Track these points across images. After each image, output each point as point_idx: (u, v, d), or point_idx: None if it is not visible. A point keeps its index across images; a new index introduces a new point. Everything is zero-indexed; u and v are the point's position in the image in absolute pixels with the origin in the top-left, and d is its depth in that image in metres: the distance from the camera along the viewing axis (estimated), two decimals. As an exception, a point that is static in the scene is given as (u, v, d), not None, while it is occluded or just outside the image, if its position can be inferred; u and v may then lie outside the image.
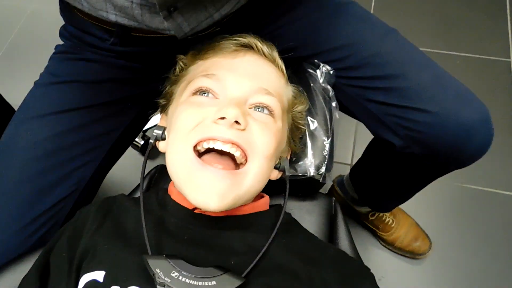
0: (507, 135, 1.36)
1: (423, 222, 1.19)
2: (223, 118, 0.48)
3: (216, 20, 0.59)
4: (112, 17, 0.56)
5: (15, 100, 0.78)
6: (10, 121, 0.65)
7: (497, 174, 1.29)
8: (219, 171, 0.48)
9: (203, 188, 0.47)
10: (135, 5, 0.54)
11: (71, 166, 0.63)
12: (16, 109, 0.68)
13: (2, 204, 0.60)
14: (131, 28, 0.60)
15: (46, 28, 1.18)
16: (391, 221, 1.16)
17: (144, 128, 1.28)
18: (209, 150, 0.51)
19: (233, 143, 0.49)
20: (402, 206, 1.18)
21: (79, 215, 0.55)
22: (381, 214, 1.16)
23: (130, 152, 1.34)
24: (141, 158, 1.34)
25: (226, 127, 0.48)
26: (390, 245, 1.17)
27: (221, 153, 0.50)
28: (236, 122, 0.48)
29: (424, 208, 1.23)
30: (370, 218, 1.17)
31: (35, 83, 0.69)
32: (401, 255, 1.17)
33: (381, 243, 1.19)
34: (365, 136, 0.92)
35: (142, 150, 1.34)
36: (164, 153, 0.56)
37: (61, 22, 0.72)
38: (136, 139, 1.33)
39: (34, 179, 0.61)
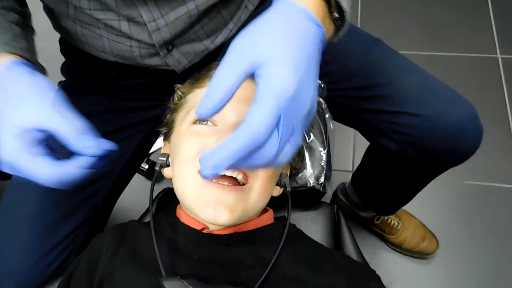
0: (503, 129, 1.39)
1: (428, 222, 1.21)
2: None
3: (211, 50, 0.62)
4: (112, 58, 0.60)
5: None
6: None
7: (496, 168, 1.31)
8: (226, 187, 0.51)
9: (213, 203, 0.49)
10: (134, 48, 0.57)
11: (83, 195, 0.66)
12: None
13: (20, 236, 0.63)
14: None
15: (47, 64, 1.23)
16: (396, 223, 1.17)
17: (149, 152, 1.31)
18: None
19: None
20: (406, 208, 1.20)
21: (95, 242, 0.57)
22: (386, 217, 1.17)
23: (136, 177, 1.37)
24: (146, 182, 1.37)
25: None
26: (399, 247, 1.19)
27: (223, 177, 0.53)
28: None
29: (428, 208, 1.25)
30: (376, 222, 1.19)
31: None
32: (410, 256, 1.18)
33: (389, 246, 1.21)
34: (364, 143, 0.93)
35: (147, 174, 1.36)
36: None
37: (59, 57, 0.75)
38: (141, 164, 1.35)
39: (48, 211, 0.64)
